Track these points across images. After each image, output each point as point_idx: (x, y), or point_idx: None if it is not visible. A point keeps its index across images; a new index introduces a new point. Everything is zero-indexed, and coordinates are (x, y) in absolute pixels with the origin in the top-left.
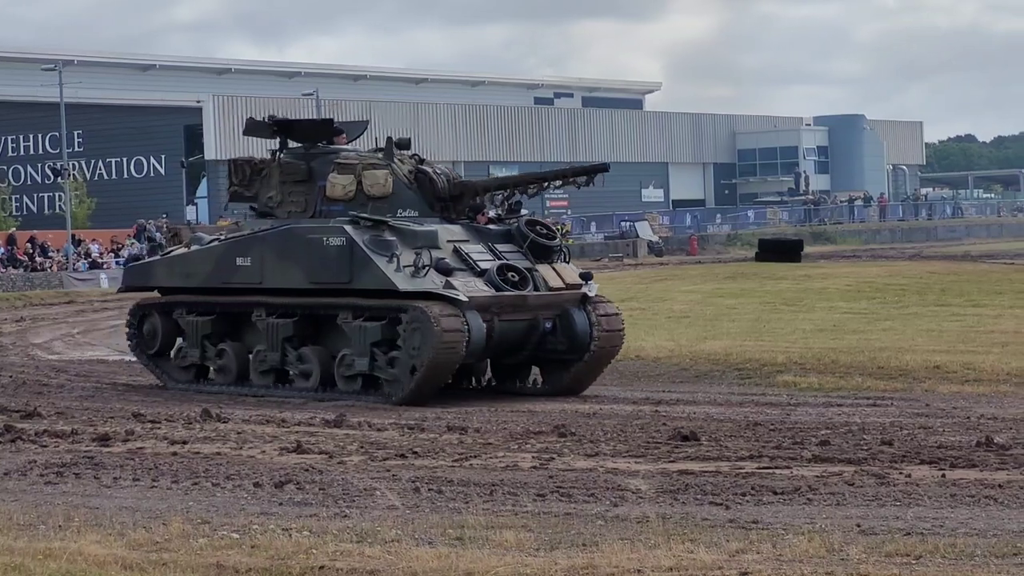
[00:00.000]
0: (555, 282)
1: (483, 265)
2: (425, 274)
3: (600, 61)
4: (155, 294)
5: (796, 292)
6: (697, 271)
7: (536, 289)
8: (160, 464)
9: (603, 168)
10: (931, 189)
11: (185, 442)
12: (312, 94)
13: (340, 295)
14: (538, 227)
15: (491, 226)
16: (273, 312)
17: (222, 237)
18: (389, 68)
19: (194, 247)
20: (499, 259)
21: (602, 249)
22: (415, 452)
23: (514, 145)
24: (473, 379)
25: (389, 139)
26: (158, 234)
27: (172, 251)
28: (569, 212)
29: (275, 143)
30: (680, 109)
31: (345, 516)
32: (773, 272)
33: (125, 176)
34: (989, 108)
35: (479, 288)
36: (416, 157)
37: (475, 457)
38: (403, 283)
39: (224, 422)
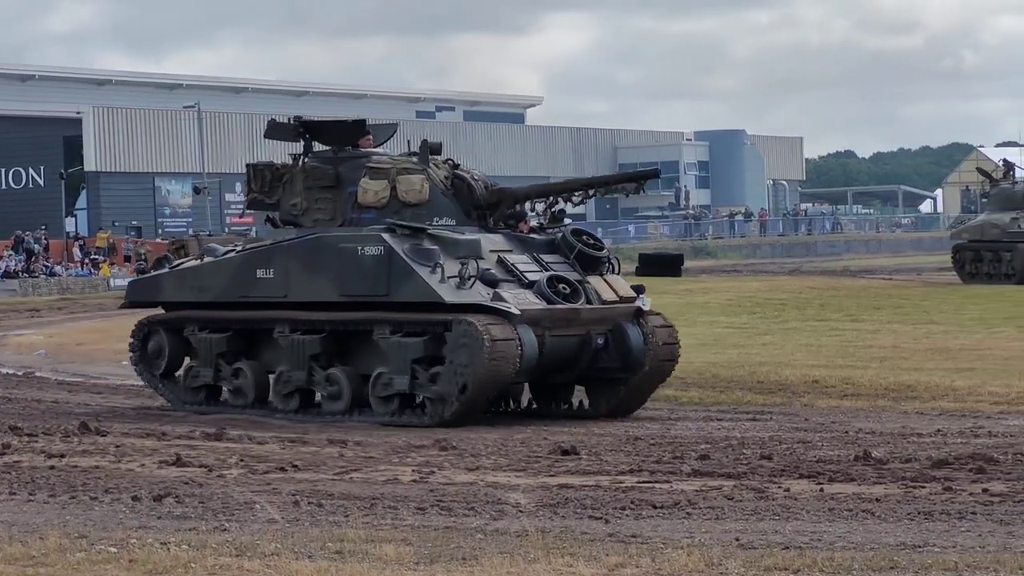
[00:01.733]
0: (608, 295)
1: (530, 276)
2: (471, 285)
3: (479, 75)
4: (159, 310)
5: (678, 306)
6: None
7: (588, 302)
8: (37, 478)
9: (653, 174)
10: (811, 204)
11: (63, 455)
12: (194, 106)
13: (376, 309)
14: (584, 237)
15: (533, 236)
16: (298, 328)
17: (238, 248)
18: (271, 81)
19: (207, 259)
20: (546, 270)
21: None
22: (296, 465)
23: None
24: (511, 401)
25: (424, 143)
26: (36, 246)
27: (181, 264)
28: None
29: (297, 147)
30: (561, 123)
31: (224, 530)
32: (655, 286)
33: (3, 187)
34: (867, 124)
35: (530, 301)
36: (450, 162)
37: (356, 470)
38: (449, 295)
39: (103, 435)
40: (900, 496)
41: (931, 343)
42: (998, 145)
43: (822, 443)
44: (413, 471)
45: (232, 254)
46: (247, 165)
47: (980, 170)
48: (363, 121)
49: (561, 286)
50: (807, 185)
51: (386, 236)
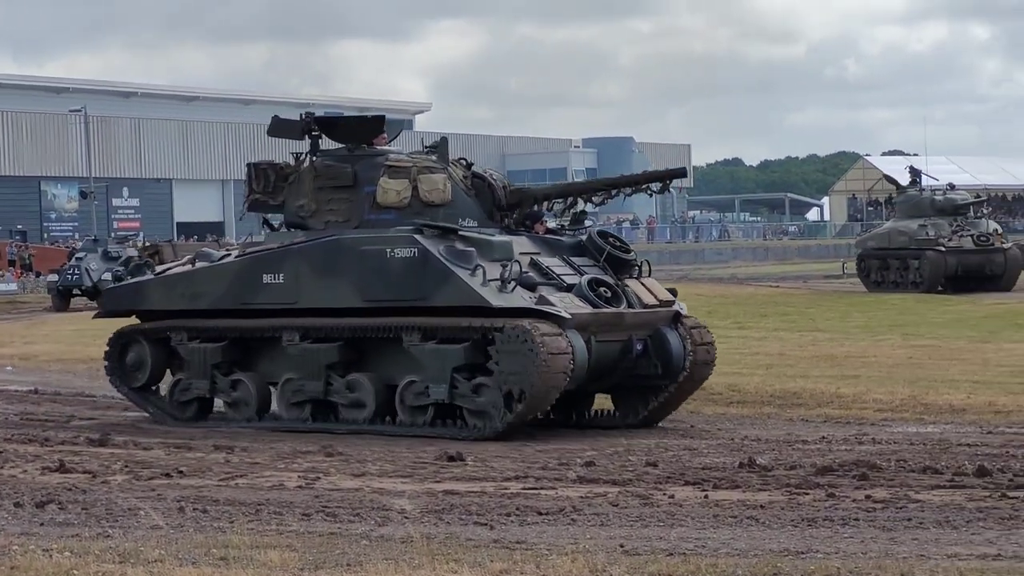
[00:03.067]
0: (647, 298)
1: (567, 279)
2: (512, 289)
3: (365, 81)
4: (133, 319)
5: None
6: None
7: (630, 306)
8: None
9: (680, 173)
10: (699, 212)
11: None
12: (80, 110)
13: (404, 314)
14: (610, 239)
15: (560, 238)
16: (308, 336)
17: (236, 254)
18: (160, 85)
19: (201, 264)
20: (580, 273)
21: None
22: (181, 471)
23: None
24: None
25: (444, 139)
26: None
27: (168, 270)
28: None
29: (299, 145)
30: (450, 130)
31: (108, 536)
32: None
33: None
34: (754, 132)
35: (576, 305)
36: (463, 161)
37: (241, 476)
38: (495, 298)
39: None
40: (784, 503)
41: (817, 350)
42: (884, 154)
43: (708, 450)
44: (299, 477)
45: (230, 259)
46: (248, 164)
47: (887, 177)
48: (383, 117)
49: (602, 289)
50: (695, 192)
51: (419, 237)
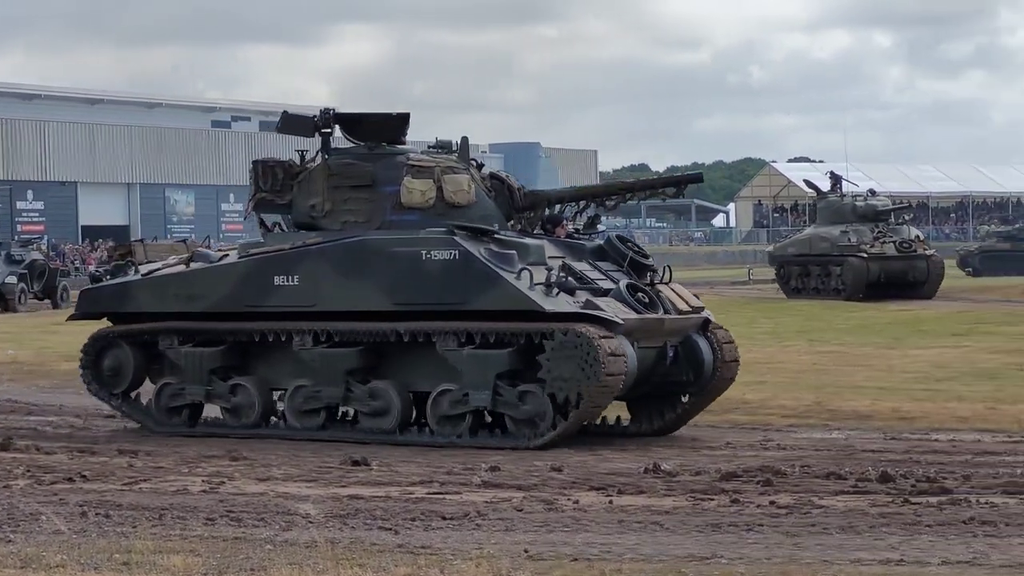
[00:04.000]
0: (681, 304)
1: (601, 284)
2: (557, 293)
3: (270, 85)
4: (105, 321)
5: None
6: None
7: (666, 312)
8: None
9: (696, 178)
10: (605, 217)
11: None
12: None
13: (437, 318)
14: (628, 243)
15: (582, 242)
16: (324, 340)
17: (238, 255)
18: (63, 88)
19: (197, 265)
20: (610, 279)
21: None
22: (84, 476)
23: (192, 168)
24: None
25: (464, 139)
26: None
27: (157, 270)
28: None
29: (308, 142)
30: None
31: (9, 541)
32: None
33: None
34: (660, 138)
35: (621, 310)
36: (475, 161)
37: (145, 481)
38: (547, 303)
39: None
40: (689, 508)
41: None
42: (790, 160)
43: (613, 456)
44: (203, 481)
45: (231, 260)
46: (253, 162)
47: (807, 182)
48: (408, 115)
49: (639, 295)
50: None
51: (458, 238)
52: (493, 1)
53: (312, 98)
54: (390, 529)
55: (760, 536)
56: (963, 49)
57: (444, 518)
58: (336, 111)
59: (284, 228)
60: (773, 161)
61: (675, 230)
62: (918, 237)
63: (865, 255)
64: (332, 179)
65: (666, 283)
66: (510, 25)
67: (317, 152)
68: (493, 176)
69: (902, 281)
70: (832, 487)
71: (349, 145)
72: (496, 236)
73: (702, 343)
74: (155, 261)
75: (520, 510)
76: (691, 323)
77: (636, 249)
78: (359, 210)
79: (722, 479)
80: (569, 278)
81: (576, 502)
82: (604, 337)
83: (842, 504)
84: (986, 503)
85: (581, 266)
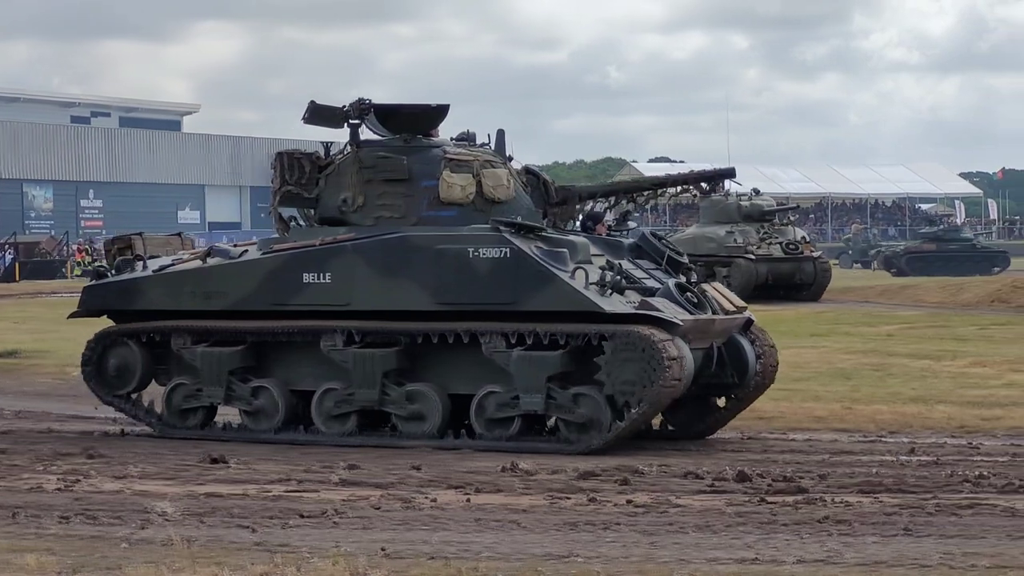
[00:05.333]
0: (726, 304)
1: (646, 283)
2: (610, 293)
3: (129, 81)
4: (105, 319)
5: None
6: None
7: (714, 312)
8: None
9: (729, 173)
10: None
11: None
12: None
13: (482, 318)
14: (663, 240)
15: (620, 239)
16: (355, 341)
17: (261, 251)
18: None
19: (214, 261)
20: (652, 278)
21: None
22: None
23: (51, 164)
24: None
25: (501, 132)
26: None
27: (171, 266)
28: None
29: (332, 134)
30: (219, 131)
31: None
32: None
33: None
34: (521, 138)
35: (675, 310)
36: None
37: None
38: (605, 303)
39: None
40: (546, 507)
41: None
42: (651, 160)
43: (472, 454)
44: (59, 479)
45: (253, 256)
46: (277, 154)
47: None
48: (447, 106)
49: (688, 295)
50: None
51: (509, 236)
52: (351, 0)
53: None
54: (248, 527)
55: (617, 535)
56: (818, 52)
57: (302, 516)
58: (372, 101)
59: (300, 223)
60: (634, 161)
61: None
62: (804, 238)
63: (753, 257)
64: (364, 172)
65: (707, 282)
66: (368, 24)
67: (345, 144)
68: (528, 170)
69: (789, 283)
70: (689, 486)
71: (374, 137)
72: (544, 234)
73: (745, 344)
74: (155, 256)
75: (378, 508)
76: (735, 323)
77: (672, 246)
78: (394, 205)
79: (580, 478)
80: (620, 277)
81: (434, 500)
82: (667, 340)
83: (699, 503)
84: (841, 502)
85: (625, 265)
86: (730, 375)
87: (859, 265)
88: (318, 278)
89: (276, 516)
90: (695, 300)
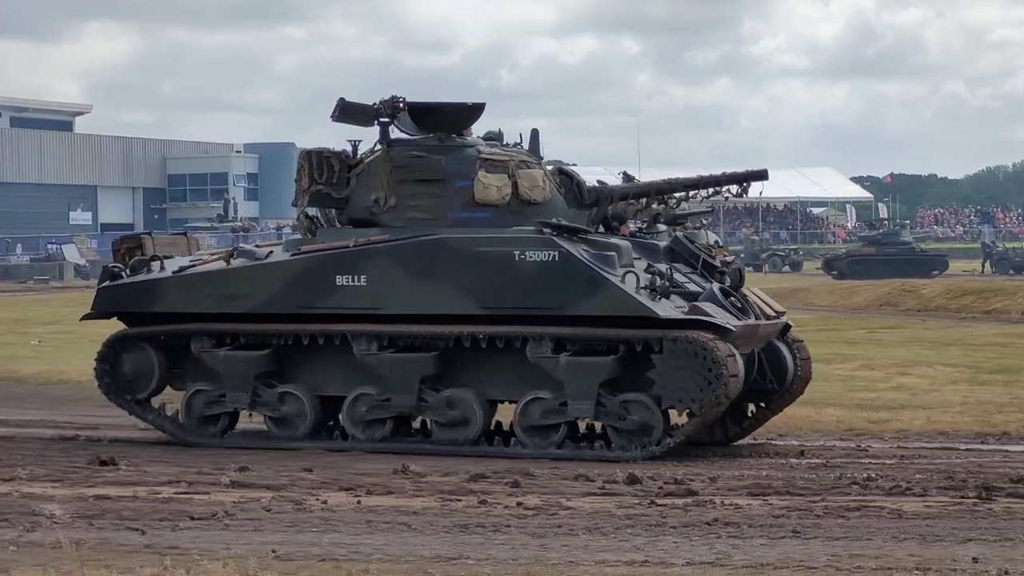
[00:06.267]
0: (766, 309)
1: (689, 287)
2: (659, 297)
3: (16, 81)
4: (111, 321)
5: None
6: None
7: (756, 317)
8: None
9: (761, 175)
10: None
11: None
12: None
13: (524, 322)
14: (695, 243)
15: (655, 241)
16: (389, 345)
17: (288, 253)
18: None
19: (238, 262)
20: (693, 282)
21: (27, 271)
22: None
23: None
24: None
25: (535, 131)
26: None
27: (191, 267)
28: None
29: (357, 132)
30: (111, 132)
31: None
32: None
33: None
34: None
35: (725, 315)
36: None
37: None
38: (659, 308)
39: None
40: (437, 509)
41: None
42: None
43: (363, 456)
44: None
45: (280, 257)
46: (305, 152)
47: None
48: (483, 105)
49: (731, 299)
50: None
51: (556, 238)
52: (241, 2)
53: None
54: (137, 529)
55: (507, 537)
56: (709, 56)
57: (192, 518)
58: (401, 98)
59: (322, 223)
60: None
61: None
62: (717, 243)
63: None
64: (397, 172)
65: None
66: (258, 25)
67: (375, 143)
68: (562, 171)
69: None
70: (579, 488)
71: (401, 136)
72: (586, 237)
73: (784, 350)
74: (168, 256)
75: (269, 510)
76: (776, 329)
77: (704, 250)
78: (427, 206)
79: (470, 480)
80: (667, 281)
81: (325, 502)
82: (723, 345)
83: (589, 505)
84: (730, 504)
85: (663, 268)
86: (771, 381)
87: (751, 268)
88: (352, 280)
89: (166, 518)
90: (739, 305)
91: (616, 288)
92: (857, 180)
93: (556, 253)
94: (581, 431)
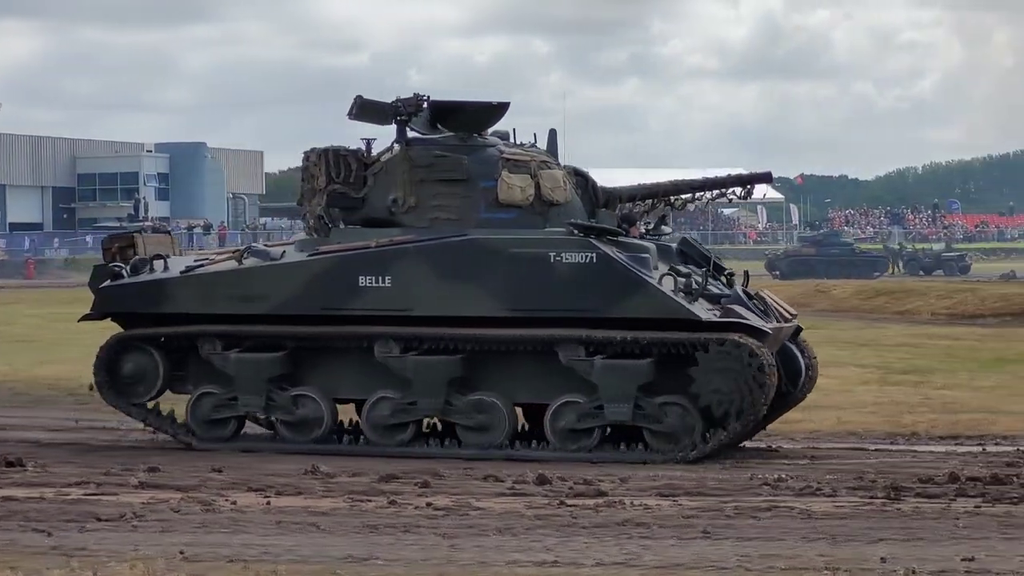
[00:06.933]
0: (782, 311)
1: (713, 290)
2: (694, 300)
3: None
4: (102, 320)
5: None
6: (36, 295)
7: (776, 320)
8: None
9: (766, 178)
10: (270, 218)
11: None
12: None
13: (556, 325)
14: (701, 245)
15: (668, 243)
16: (412, 347)
17: (306, 253)
18: None
19: (250, 262)
20: (712, 284)
21: None
22: None
23: None
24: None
25: (553, 131)
26: None
27: (200, 267)
28: None
29: (373, 130)
30: (20, 131)
31: None
32: None
33: None
34: (325, 140)
35: (755, 318)
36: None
37: None
38: (700, 311)
39: None
40: (347, 509)
41: None
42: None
43: (274, 457)
44: None
45: (296, 257)
46: (323, 151)
47: None
48: (507, 104)
49: (754, 301)
50: (267, 199)
51: (594, 240)
52: (152, 1)
53: None
54: (44, 531)
55: (418, 537)
56: (619, 57)
57: (100, 519)
58: (424, 96)
59: (329, 223)
60: None
61: None
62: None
63: None
64: (417, 172)
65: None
66: (168, 25)
67: (392, 142)
68: (577, 172)
69: None
70: (490, 489)
71: (421, 135)
72: (615, 240)
73: (797, 353)
74: (162, 255)
75: (178, 511)
76: (790, 331)
77: (709, 252)
78: (450, 206)
79: (381, 481)
80: (696, 284)
81: (234, 503)
82: (761, 348)
83: (500, 506)
84: (641, 505)
85: (683, 270)
86: (785, 384)
87: None
88: (376, 281)
89: (73, 520)
90: (761, 307)
91: (655, 290)
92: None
93: (594, 255)
94: (608, 434)
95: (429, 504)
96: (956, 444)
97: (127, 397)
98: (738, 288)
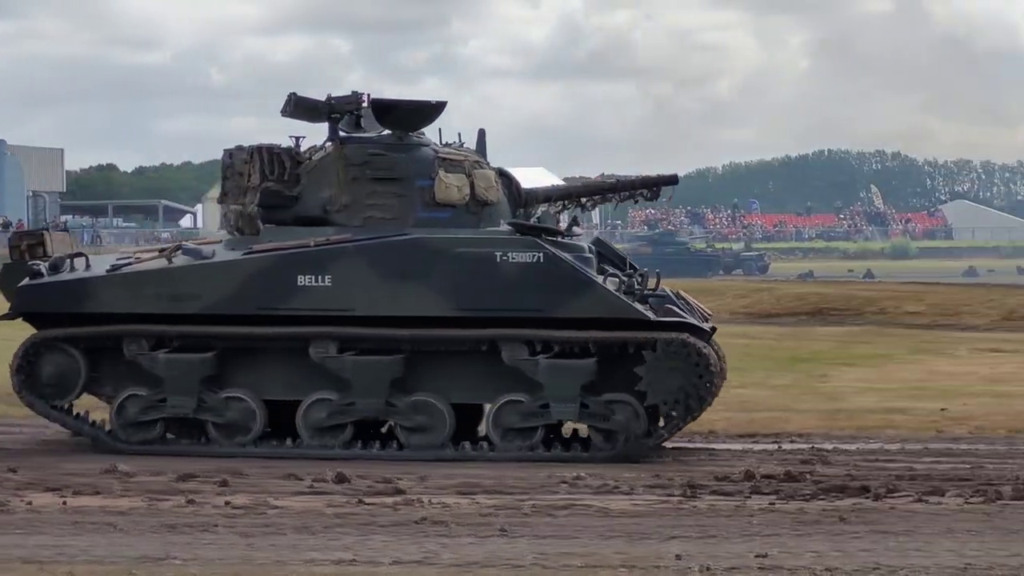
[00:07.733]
0: (703, 312)
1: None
2: (636, 300)
3: None
4: (17, 321)
5: None
6: None
7: (701, 320)
8: None
9: (671, 180)
10: (72, 216)
11: None
12: None
13: (499, 325)
14: (613, 248)
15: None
16: (349, 347)
17: (240, 252)
18: None
19: (181, 260)
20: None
21: None
22: None
23: None
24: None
25: (482, 132)
26: None
27: (127, 265)
28: None
29: (300, 128)
30: None
31: None
32: None
33: None
34: (127, 138)
35: (691, 318)
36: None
37: None
38: (647, 311)
39: None
40: (144, 509)
41: None
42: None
43: (73, 455)
44: None
45: (229, 256)
46: (256, 148)
47: None
48: (445, 103)
49: (681, 302)
50: (68, 197)
51: (539, 240)
52: None
53: None
54: None
55: (215, 537)
56: (419, 56)
57: None
58: (361, 94)
59: (261, 223)
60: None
61: (141, 230)
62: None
63: None
64: (351, 170)
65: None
66: None
67: (325, 140)
68: (501, 172)
69: None
70: (289, 487)
71: (355, 132)
72: (559, 238)
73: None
74: (80, 253)
75: None
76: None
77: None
78: (385, 205)
79: (179, 479)
80: (637, 284)
81: (30, 503)
82: (706, 347)
83: (298, 504)
84: (439, 503)
85: (614, 271)
86: None
87: None
88: (316, 281)
89: None
90: (688, 308)
91: (603, 290)
92: (569, 180)
93: (541, 255)
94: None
95: (228, 503)
96: (752, 442)
97: (48, 400)
98: (667, 289)
